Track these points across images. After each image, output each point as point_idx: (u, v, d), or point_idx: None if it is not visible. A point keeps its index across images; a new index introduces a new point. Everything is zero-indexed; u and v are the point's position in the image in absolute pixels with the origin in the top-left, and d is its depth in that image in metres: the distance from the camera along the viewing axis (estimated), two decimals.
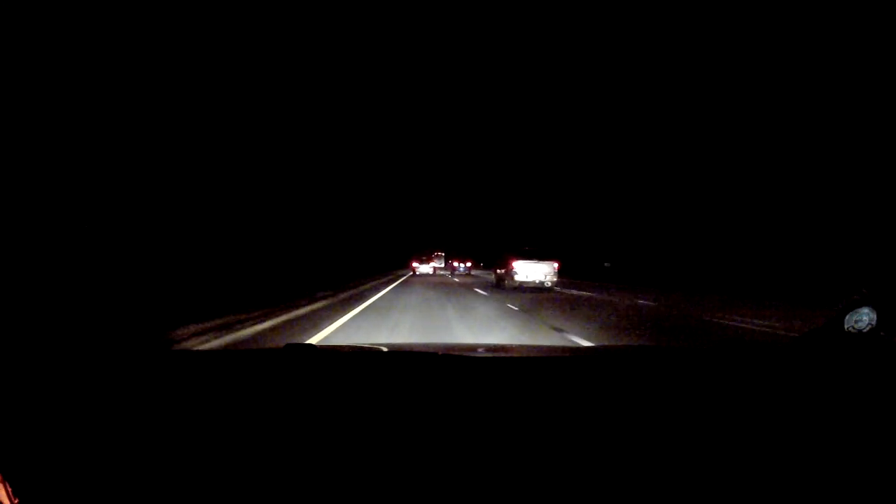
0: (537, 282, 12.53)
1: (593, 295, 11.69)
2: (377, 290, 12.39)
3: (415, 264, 31.56)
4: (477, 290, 13.10)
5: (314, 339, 4.64)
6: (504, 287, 13.35)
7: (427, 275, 27.33)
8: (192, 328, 4.34)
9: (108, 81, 11.81)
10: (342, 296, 9.97)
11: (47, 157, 9.78)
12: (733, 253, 16.84)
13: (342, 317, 6.37)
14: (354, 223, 38.49)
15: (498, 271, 14.99)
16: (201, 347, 3.86)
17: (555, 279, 12.78)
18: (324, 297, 8.94)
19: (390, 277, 20.78)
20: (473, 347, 1.77)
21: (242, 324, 5.01)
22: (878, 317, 0.98)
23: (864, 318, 0.97)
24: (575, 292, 12.63)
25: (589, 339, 4.69)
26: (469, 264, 36.78)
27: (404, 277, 21.24)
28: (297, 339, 4.13)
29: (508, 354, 1.58)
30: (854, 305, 1.01)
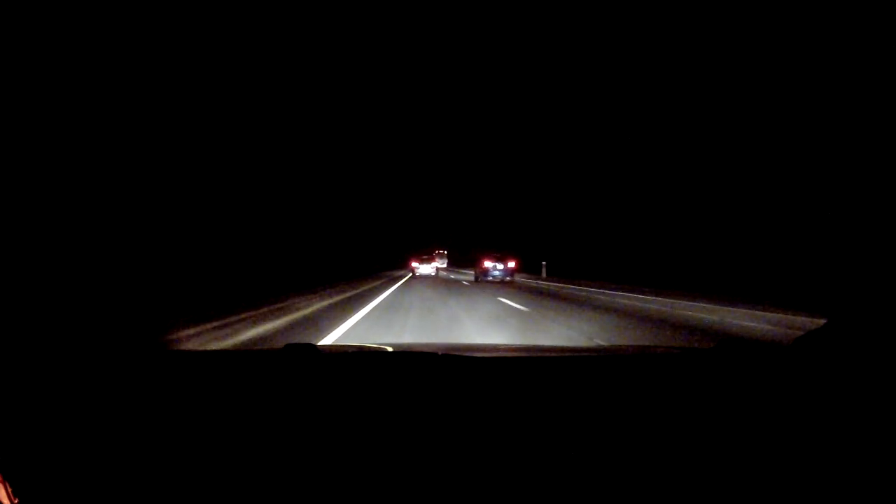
0: None
1: None
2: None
3: (414, 264, 29.87)
4: None
5: None
6: None
7: (429, 277, 26.23)
8: None
9: (107, 81, 11.80)
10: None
11: (46, 157, 9.78)
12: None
13: None
14: (340, 216, 36.26)
15: None
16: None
17: None
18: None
19: (371, 287, 15.51)
20: (474, 347, 1.77)
21: None
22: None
23: None
24: None
25: None
26: (512, 265, 22.61)
27: (399, 284, 18.53)
28: None
29: (509, 354, 1.57)
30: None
